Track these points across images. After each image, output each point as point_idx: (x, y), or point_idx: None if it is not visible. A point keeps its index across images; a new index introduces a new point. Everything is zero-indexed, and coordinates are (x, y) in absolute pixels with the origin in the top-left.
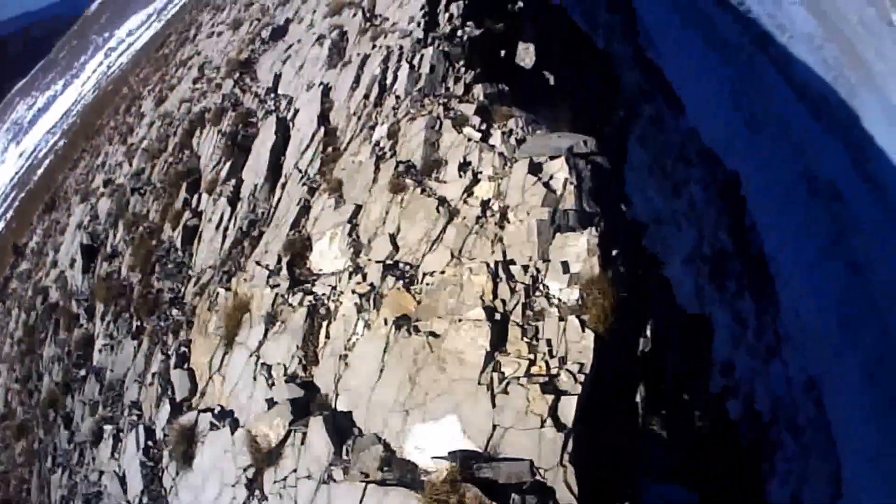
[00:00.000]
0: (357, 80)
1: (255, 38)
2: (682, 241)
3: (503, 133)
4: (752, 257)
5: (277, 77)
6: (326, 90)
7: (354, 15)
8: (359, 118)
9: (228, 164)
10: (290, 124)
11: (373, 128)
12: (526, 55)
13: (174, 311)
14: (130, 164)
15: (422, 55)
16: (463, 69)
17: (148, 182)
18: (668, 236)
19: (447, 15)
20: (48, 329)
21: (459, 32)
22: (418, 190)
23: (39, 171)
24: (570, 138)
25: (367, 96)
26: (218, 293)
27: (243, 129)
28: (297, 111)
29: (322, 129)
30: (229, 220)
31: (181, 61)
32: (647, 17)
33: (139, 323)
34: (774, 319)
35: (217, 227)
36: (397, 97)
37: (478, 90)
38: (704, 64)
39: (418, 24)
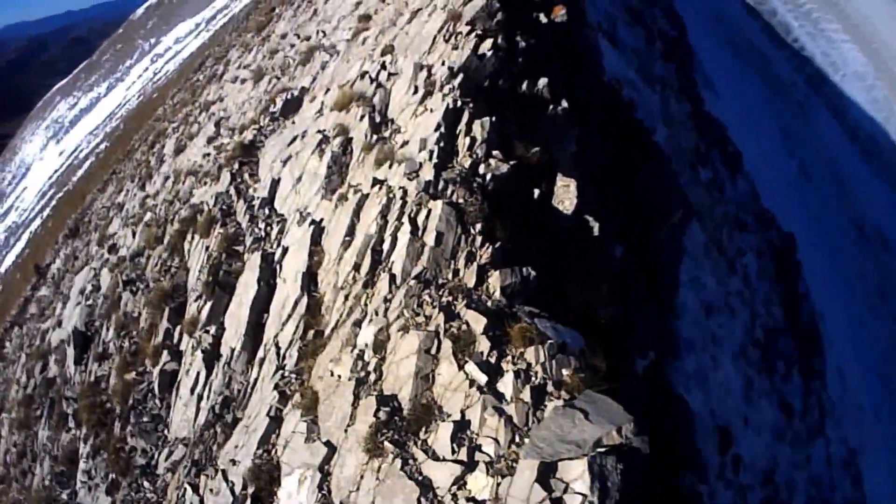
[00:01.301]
0: (351, 232)
1: (268, 107)
2: (734, 329)
3: (517, 375)
4: (803, 329)
5: (275, 184)
6: (318, 231)
7: (362, 117)
8: (346, 297)
9: (209, 304)
10: (277, 269)
11: (359, 324)
12: (565, 195)
13: (146, 483)
14: (134, 235)
15: (429, 211)
16: (479, 238)
17: (141, 277)
18: (720, 327)
19: (468, 139)
20: (44, 408)
21: (482, 168)
22: (398, 462)
23: (79, 173)
24: (599, 425)
25: (357, 267)
26: (186, 489)
27: (227, 259)
28: (285, 251)
29: (306, 298)
30: (204, 385)
31: (206, 103)
32: (704, 56)
33: (114, 476)
34: (820, 392)
35: (192, 391)
36: (392, 277)
37: (494, 280)
38: (760, 106)
39: (430, 155)
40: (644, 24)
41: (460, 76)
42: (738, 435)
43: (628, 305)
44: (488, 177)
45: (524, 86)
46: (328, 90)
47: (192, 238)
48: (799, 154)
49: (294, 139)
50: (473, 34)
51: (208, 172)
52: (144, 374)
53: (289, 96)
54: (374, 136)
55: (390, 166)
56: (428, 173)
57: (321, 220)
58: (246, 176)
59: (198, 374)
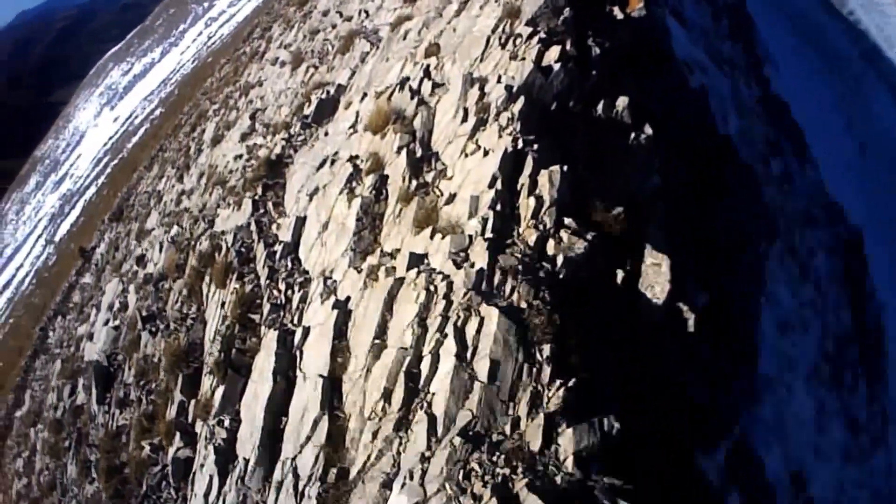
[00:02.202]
0: (381, 333)
1: (302, 106)
2: (807, 346)
3: None
4: (869, 330)
5: (300, 223)
6: (344, 316)
7: (400, 150)
8: (374, 434)
9: (222, 388)
10: (297, 355)
11: (389, 484)
12: (656, 278)
13: None
14: (161, 250)
15: (481, 321)
16: (548, 369)
17: (161, 313)
18: (794, 346)
19: (533, 200)
20: (71, 440)
21: (551, 247)
22: None
23: (134, 140)
24: None
25: (388, 394)
26: None
27: (241, 332)
28: (306, 332)
29: (327, 420)
30: (217, 495)
31: (246, 86)
32: (762, 27)
33: None
34: (882, 397)
35: (206, 498)
36: (432, 421)
37: (566, 443)
38: (817, 81)
39: (484, 225)
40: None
41: (521, 100)
42: (810, 475)
43: (715, 384)
44: (559, 260)
45: (599, 108)
46: (364, 95)
47: (210, 283)
48: (858, 134)
49: (324, 162)
50: (536, 39)
51: (234, 189)
52: (160, 453)
53: (324, 94)
54: (414, 182)
55: (432, 235)
56: (480, 257)
57: (347, 299)
58: (270, 205)
59: (211, 478)
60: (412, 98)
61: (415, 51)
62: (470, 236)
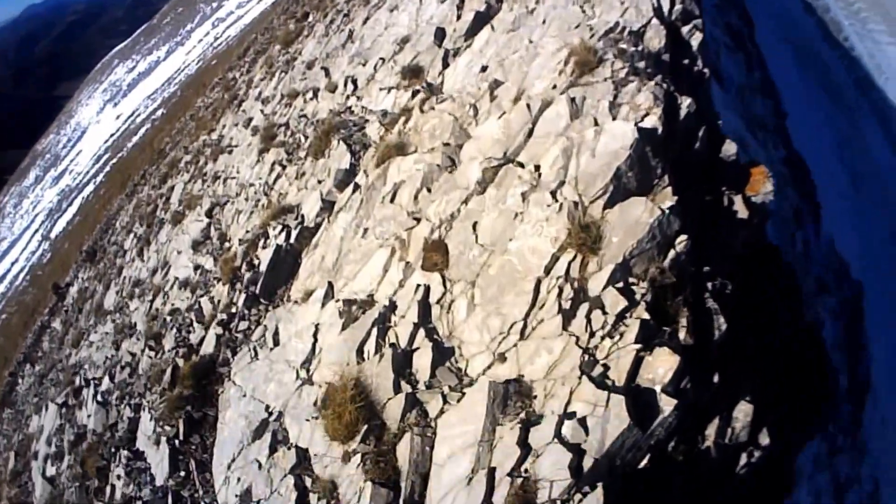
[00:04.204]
0: None
1: (254, 246)
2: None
3: None
4: (859, 384)
5: None
6: None
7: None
8: None
9: None
10: None
11: None
12: None
13: None
14: (117, 348)
15: None
16: None
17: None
18: None
19: None
20: None
21: None
22: None
23: (135, 139)
24: None
25: None
26: None
27: None
28: None
29: None
30: None
31: (216, 150)
32: (769, 58)
33: None
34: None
35: None
36: None
37: None
38: (817, 111)
39: None
40: (743, 46)
41: None
42: None
43: None
44: None
45: None
46: (329, 290)
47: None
48: (849, 164)
49: (261, 426)
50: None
51: (163, 355)
52: None
53: (281, 236)
54: None
55: None
56: None
57: None
58: (192, 466)
59: None
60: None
61: (406, 237)
62: None
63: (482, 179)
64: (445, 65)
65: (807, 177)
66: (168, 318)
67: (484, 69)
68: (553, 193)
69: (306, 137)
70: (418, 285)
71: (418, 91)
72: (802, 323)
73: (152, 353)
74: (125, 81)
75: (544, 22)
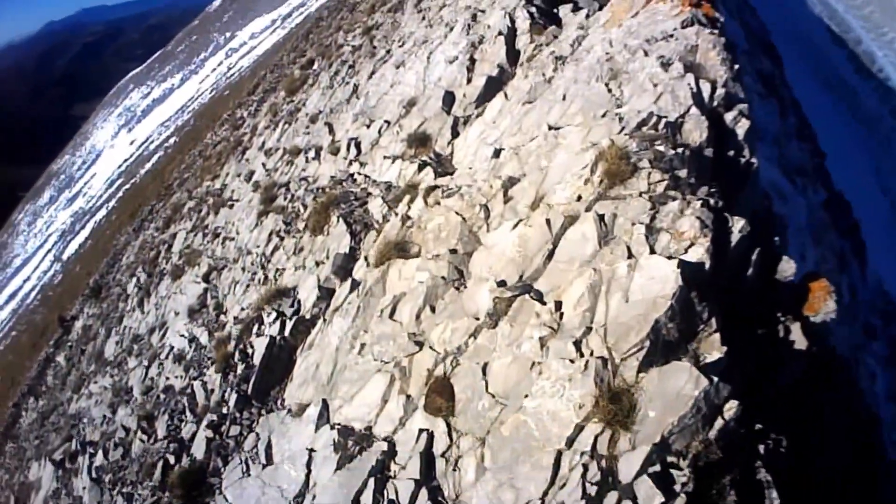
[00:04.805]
0: None
1: (249, 329)
2: None
3: None
4: None
5: None
6: None
7: None
8: None
9: None
10: None
11: None
12: None
13: None
14: (114, 412)
15: None
16: None
17: None
18: None
19: None
20: None
21: None
22: None
23: (147, 165)
24: None
25: None
26: None
27: None
28: None
29: None
30: None
31: (217, 201)
32: (799, 93)
33: None
34: None
35: None
36: None
37: None
38: (852, 141)
39: None
40: (775, 90)
41: None
42: None
43: None
44: None
45: None
46: (324, 410)
47: None
48: (891, 194)
49: None
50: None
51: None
52: None
53: (274, 327)
54: None
55: None
56: None
57: None
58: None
59: None
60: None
61: (407, 364)
62: None
63: (493, 311)
64: (455, 134)
65: (849, 214)
66: (162, 396)
67: (497, 154)
68: (577, 344)
69: (305, 207)
70: (421, 430)
71: (425, 163)
72: (883, 465)
73: (144, 437)
74: (140, 107)
75: (564, 98)
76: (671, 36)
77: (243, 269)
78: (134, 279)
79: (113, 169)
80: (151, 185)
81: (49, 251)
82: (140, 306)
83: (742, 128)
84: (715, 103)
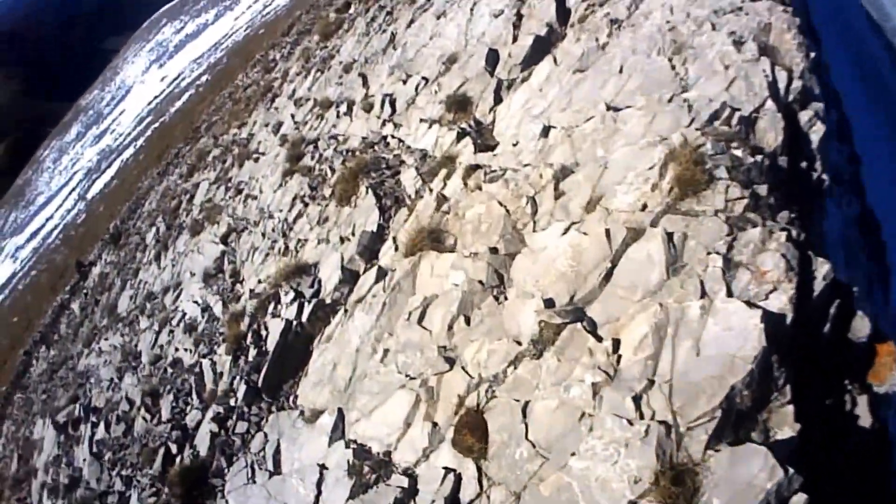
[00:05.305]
0: None
1: (264, 306)
2: None
3: None
4: None
5: None
6: None
7: None
8: None
9: None
10: None
11: None
12: None
13: None
14: (120, 377)
15: None
16: None
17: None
18: None
19: None
20: None
21: None
22: None
23: (178, 104)
24: None
25: None
26: None
27: None
28: None
29: None
30: None
31: (242, 153)
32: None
33: None
34: None
35: None
36: None
37: None
38: (888, 156)
39: None
40: (819, 79)
41: None
42: None
43: None
44: None
45: None
46: (340, 416)
47: None
48: None
49: None
50: None
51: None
52: None
53: (293, 318)
54: None
55: None
56: None
57: None
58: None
59: None
60: None
61: (435, 384)
62: None
63: (538, 338)
64: (498, 99)
65: (878, 234)
66: (169, 371)
67: (546, 132)
68: (636, 400)
69: (333, 171)
70: (446, 470)
71: (465, 132)
72: None
73: (148, 416)
74: (172, 42)
75: (621, 70)
76: (740, 8)
77: (263, 234)
78: (153, 229)
79: (142, 106)
80: (180, 125)
81: (74, 189)
82: (157, 260)
83: (817, 133)
84: (791, 97)
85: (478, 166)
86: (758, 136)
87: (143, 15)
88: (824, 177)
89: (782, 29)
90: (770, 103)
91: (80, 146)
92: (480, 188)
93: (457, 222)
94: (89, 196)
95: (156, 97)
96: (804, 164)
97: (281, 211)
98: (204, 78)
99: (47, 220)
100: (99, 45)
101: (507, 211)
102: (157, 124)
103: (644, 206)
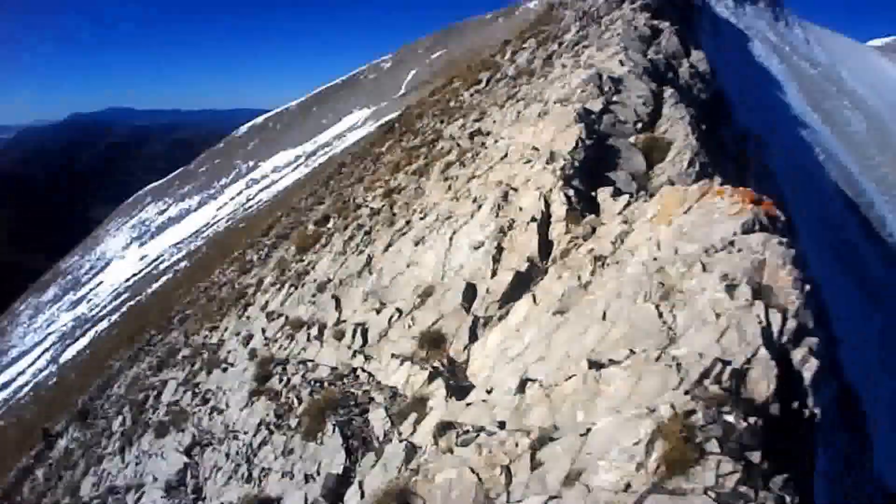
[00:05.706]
0: None
1: None
2: None
3: None
4: None
5: None
6: None
7: None
8: None
9: None
10: None
11: None
12: None
13: None
14: None
15: None
16: None
17: None
18: None
19: None
20: None
21: None
22: None
23: (155, 286)
24: None
25: None
26: None
27: None
28: None
29: None
30: None
31: (211, 358)
32: (820, 279)
33: None
34: None
35: None
36: None
37: None
38: (861, 318)
39: None
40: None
41: None
42: None
43: None
44: None
45: None
46: None
47: None
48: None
49: None
50: None
51: None
52: None
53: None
54: None
55: None
56: None
57: None
58: None
59: None
60: None
61: None
62: None
63: None
64: (473, 337)
65: (857, 407)
66: None
67: (522, 387)
68: None
69: (300, 401)
70: None
71: (437, 372)
72: None
73: None
74: (154, 223)
75: (604, 317)
76: (732, 244)
77: (227, 455)
78: (120, 417)
79: (120, 281)
80: (156, 308)
81: (47, 350)
82: (121, 453)
83: (809, 370)
84: (784, 339)
85: (451, 424)
86: (749, 387)
87: (130, 188)
88: (816, 411)
89: (777, 265)
90: (763, 351)
91: (56, 308)
92: (452, 451)
93: (425, 485)
94: (62, 360)
95: (134, 275)
96: (795, 404)
97: (246, 433)
98: (183, 264)
99: (19, 374)
100: (83, 210)
101: (480, 479)
102: (132, 302)
103: (627, 486)
